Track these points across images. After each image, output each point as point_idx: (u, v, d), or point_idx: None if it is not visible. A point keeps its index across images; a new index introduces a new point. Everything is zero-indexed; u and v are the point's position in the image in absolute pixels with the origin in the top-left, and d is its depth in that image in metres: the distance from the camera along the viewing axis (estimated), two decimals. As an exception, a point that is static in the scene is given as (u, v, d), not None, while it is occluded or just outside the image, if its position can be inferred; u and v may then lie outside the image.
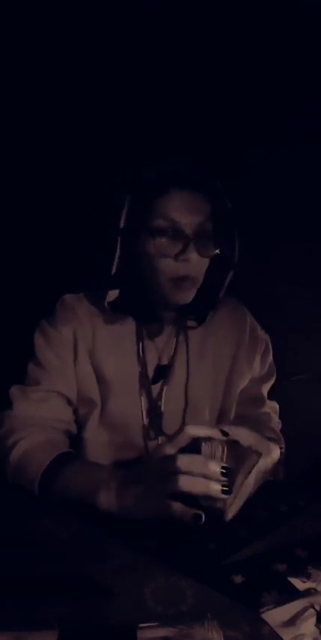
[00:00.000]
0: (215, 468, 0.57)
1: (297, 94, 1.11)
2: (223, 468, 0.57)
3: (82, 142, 1.12)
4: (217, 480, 0.56)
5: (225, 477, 0.57)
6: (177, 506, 0.57)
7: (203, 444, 0.59)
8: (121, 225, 0.78)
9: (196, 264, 0.78)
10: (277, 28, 1.07)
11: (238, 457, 0.63)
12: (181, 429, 0.61)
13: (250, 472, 0.66)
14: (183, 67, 1.10)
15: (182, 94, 1.11)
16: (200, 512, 0.56)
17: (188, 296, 0.81)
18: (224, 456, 0.59)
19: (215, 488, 0.56)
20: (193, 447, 0.60)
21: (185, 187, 0.77)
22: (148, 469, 0.62)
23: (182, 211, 0.76)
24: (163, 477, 0.58)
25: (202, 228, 0.77)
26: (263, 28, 1.07)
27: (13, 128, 1.14)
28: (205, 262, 0.80)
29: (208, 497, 0.57)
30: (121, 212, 0.78)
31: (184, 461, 0.57)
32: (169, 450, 0.60)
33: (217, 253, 0.80)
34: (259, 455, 0.76)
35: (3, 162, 1.15)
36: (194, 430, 0.60)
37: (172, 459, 0.58)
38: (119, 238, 0.78)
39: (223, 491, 0.56)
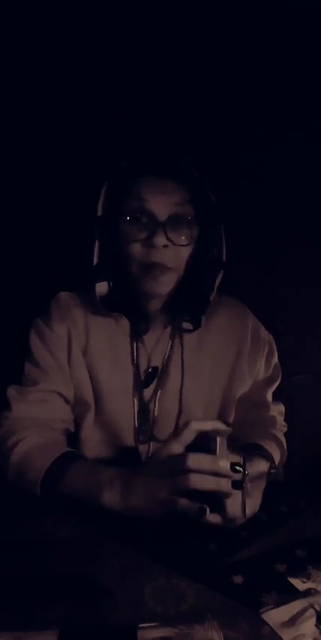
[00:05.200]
0: (225, 464, 0.57)
1: (300, 93, 1.11)
2: (232, 464, 0.57)
3: (81, 140, 1.12)
4: (228, 477, 0.57)
5: (235, 472, 0.57)
6: (183, 501, 0.57)
7: (218, 437, 0.59)
8: (99, 212, 0.79)
9: (171, 252, 0.76)
10: (278, 27, 1.07)
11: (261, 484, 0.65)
12: (185, 426, 0.61)
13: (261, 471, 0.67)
14: (183, 66, 1.10)
15: (183, 93, 1.11)
16: (205, 505, 0.56)
17: (161, 285, 0.78)
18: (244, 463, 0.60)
19: (225, 484, 0.57)
20: (200, 443, 0.60)
21: (162, 174, 0.77)
22: (155, 468, 0.62)
23: (155, 194, 0.75)
24: (173, 476, 0.58)
25: (176, 215, 0.76)
26: (264, 27, 1.07)
27: (7, 127, 1.14)
28: (182, 252, 0.78)
29: (218, 494, 0.57)
30: (98, 200, 0.79)
31: (194, 459, 0.57)
32: (176, 448, 0.61)
33: (189, 243, 0.78)
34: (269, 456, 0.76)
35: None
36: (198, 425, 0.61)
37: (182, 457, 0.58)
38: (98, 226, 0.78)
39: (234, 486, 0.57)
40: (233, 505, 0.59)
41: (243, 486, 0.58)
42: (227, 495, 0.58)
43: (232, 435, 0.84)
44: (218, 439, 0.59)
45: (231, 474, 0.57)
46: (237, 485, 0.58)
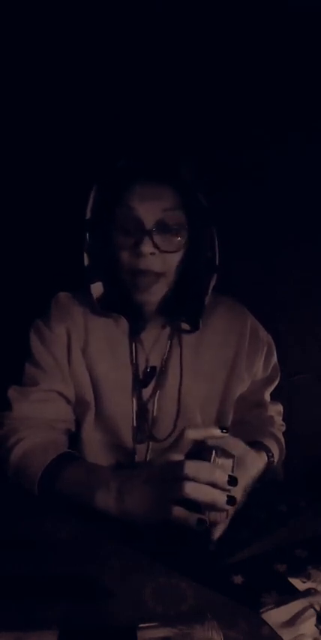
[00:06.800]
0: (222, 476, 0.56)
1: (300, 93, 1.11)
2: (229, 477, 0.56)
3: (82, 140, 1.12)
4: (223, 490, 0.56)
5: (231, 486, 0.56)
6: (179, 511, 0.56)
7: (213, 452, 0.58)
8: (88, 215, 0.79)
9: (158, 259, 0.76)
10: (278, 27, 1.07)
11: (243, 469, 0.64)
12: (181, 434, 0.60)
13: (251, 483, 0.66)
14: (183, 66, 1.10)
15: (182, 93, 1.11)
16: (205, 517, 0.55)
17: (152, 294, 0.79)
18: (233, 468, 0.59)
19: (220, 497, 0.55)
20: (199, 452, 0.60)
21: (152, 180, 0.76)
22: (152, 474, 0.61)
23: (143, 200, 0.75)
24: (169, 483, 0.57)
25: (163, 221, 0.75)
26: (264, 27, 1.07)
27: (7, 130, 1.14)
28: (170, 259, 0.78)
29: (212, 507, 0.56)
30: (88, 203, 0.79)
31: (191, 467, 0.56)
32: (175, 456, 0.60)
33: (177, 249, 0.77)
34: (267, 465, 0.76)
35: None
36: (194, 433, 0.60)
37: (180, 464, 0.57)
38: (87, 229, 0.79)
39: (227, 502, 0.56)
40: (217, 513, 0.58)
41: (235, 500, 0.56)
42: (221, 511, 0.57)
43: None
44: (214, 452, 0.58)
45: (227, 487, 0.56)
46: (231, 501, 0.56)
